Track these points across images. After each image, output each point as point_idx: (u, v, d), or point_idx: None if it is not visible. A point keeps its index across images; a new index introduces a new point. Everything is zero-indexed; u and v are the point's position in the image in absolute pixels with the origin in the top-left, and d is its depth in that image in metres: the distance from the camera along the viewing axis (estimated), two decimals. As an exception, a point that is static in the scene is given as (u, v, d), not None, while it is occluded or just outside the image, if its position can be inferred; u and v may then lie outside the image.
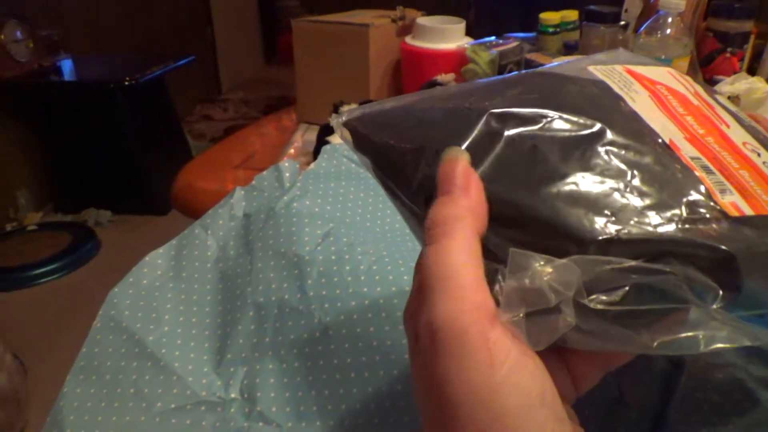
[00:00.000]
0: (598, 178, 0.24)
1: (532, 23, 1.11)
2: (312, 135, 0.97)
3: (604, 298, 0.21)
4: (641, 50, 0.85)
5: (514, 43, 1.04)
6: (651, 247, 0.22)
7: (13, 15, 2.27)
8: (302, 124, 1.10)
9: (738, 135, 0.29)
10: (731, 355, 0.38)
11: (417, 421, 0.36)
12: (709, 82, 0.93)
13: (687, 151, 0.26)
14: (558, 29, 1.07)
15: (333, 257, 0.45)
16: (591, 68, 0.31)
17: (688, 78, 0.33)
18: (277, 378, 0.40)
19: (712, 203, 0.24)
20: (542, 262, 0.21)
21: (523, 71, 0.32)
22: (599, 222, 0.22)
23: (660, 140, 0.26)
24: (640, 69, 0.32)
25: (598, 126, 0.26)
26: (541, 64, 0.42)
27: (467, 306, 0.21)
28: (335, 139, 0.80)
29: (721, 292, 0.22)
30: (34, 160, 2.50)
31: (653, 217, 0.23)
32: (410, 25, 1.08)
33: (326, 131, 0.86)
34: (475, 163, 0.24)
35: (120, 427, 0.39)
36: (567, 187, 0.23)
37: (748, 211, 0.24)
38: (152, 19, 3.39)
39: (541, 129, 0.25)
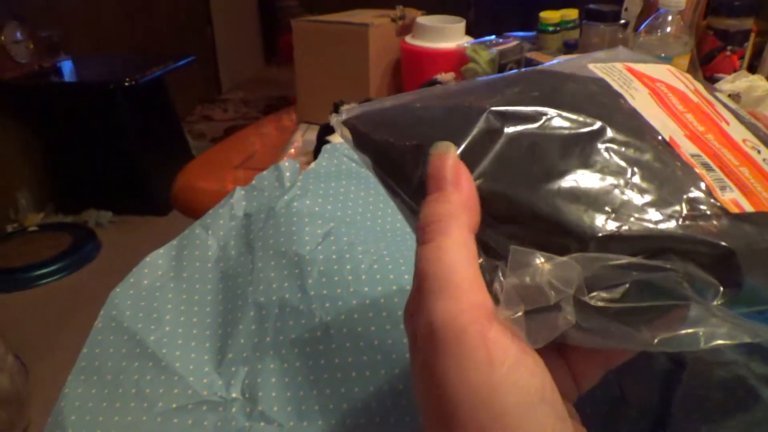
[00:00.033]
0: (598, 175, 0.24)
1: (532, 22, 1.11)
2: (312, 135, 0.97)
3: (604, 295, 0.21)
4: (641, 49, 0.85)
5: (514, 42, 1.04)
6: (651, 244, 0.22)
7: (13, 16, 2.28)
8: (302, 124, 1.10)
9: (738, 132, 0.29)
10: (733, 352, 0.38)
11: (418, 420, 0.36)
12: (710, 80, 0.93)
13: (687, 148, 0.26)
14: (558, 28, 1.07)
15: (334, 256, 0.45)
16: (591, 66, 0.31)
17: (688, 75, 0.33)
18: (278, 377, 0.40)
19: (712, 200, 0.24)
20: (543, 260, 0.21)
21: (523, 69, 0.32)
22: (599, 219, 0.22)
23: (660, 137, 0.26)
24: (639, 67, 0.32)
25: (598, 123, 0.26)
26: (541, 63, 0.42)
27: (465, 305, 0.21)
28: (335, 139, 0.80)
29: (721, 289, 0.22)
30: (35, 161, 2.50)
31: (653, 214, 0.23)
32: (410, 25, 1.08)
33: (326, 131, 0.86)
34: (476, 160, 0.24)
35: (121, 427, 0.39)
36: (567, 184, 0.23)
37: (749, 208, 0.24)
38: (152, 19, 3.39)
39: (541, 127, 0.25)
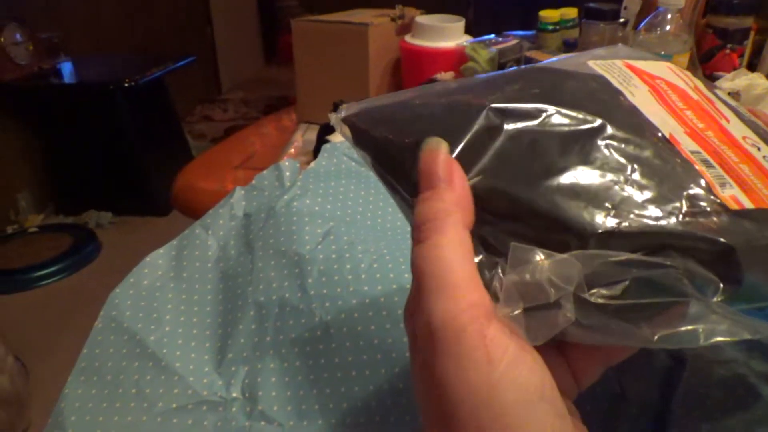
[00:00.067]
0: (598, 172, 0.24)
1: (532, 21, 1.11)
2: (312, 134, 0.97)
3: (604, 292, 0.21)
4: (641, 47, 0.85)
5: (514, 41, 1.04)
6: (651, 240, 0.22)
7: (12, 18, 2.28)
8: (302, 124, 1.10)
9: (738, 129, 0.29)
10: (733, 350, 0.38)
11: (419, 419, 0.36)
12: (709, 79, 0.93)
13: (687, 145, 0.26)
14: (557, 27, 1.07)
15: (333, 256, 0.45)
16: (590, 63, 0.31)
17: (688, 73, 0.33)
18: (278, 377, 0.40)
19: (712, 197, 0.24)
20: (543, 257, 0.21)
21: (523, 66, 0.32)
22: (599, 215, 0.22)
23: (660, 134, 0.26)
24: (639, 64, 0.32)
25: (597, 121, 0.26)
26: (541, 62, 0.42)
27: (464, 305, 0.21)
28: (335, 138, 0.80)
29: (721, 286, 0.22)
30: (35, 163, 2.50)
31: (653, 210, 0.23)
32: (409, 24, 1.08)
33: (326, 130, 0.85)
34: (476, 157, 0.24)
35: (121, 427, 0.39)
36: (567, 181, 0.23)
37: (748, 205, 0.24)
38: (152, 19, 3.39)
39: (541, 124, 0.25)
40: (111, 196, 2.56)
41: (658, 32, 0.84)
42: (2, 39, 2.23)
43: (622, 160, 0.24)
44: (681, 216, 0.23)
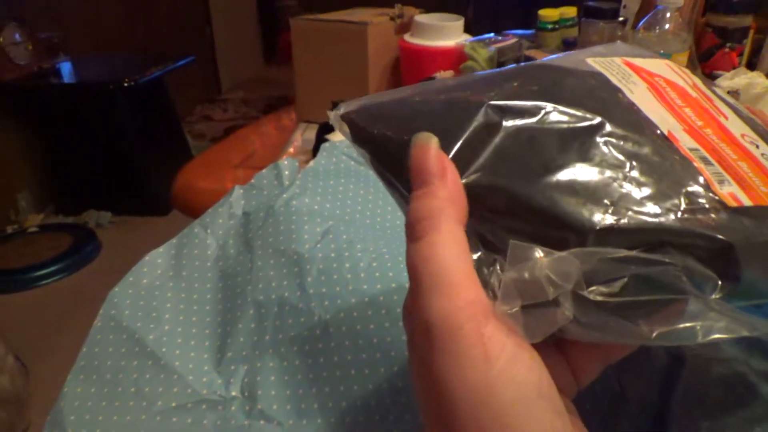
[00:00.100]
0: (597, 169, 0.24)
1: (531, 20, 1.11)
2: (311, 134, 0.97)
3: (603, 289, 0.21)
4: (640, 46, 0.84)
5: (513, 40, 1.04)
6: (650, 237, 0.22)
7: (12, 18, 2.28)
8: (302, 123, 1.10)
9: (736, 127, 0.29)
10: (733, 349, 0.38)
11: (418, 418, 0.36)
12: (709, 77, 0.92)
13: (685, 142, 0.26)
14: (557, 26, 1.07)
15: (333, 255, 0.45)
16: (589, 60, 0.31)
17: (686, 70, 0.33)
18: (277, 376, 0.40)
19: (710, 194, 0.24)
20: (541, 254, 0.21)
21: (522, 64, 0.32)
22: (598, 211, 0.22)
23: (658, 131, 0.26)
24: (638, 61, 0.32)
25: (596, 118, 0.26)
26: (540, 60, 0.42)
27: (461, 302, 0.21)
28: (335, 137, 0.80)
29: (719, 283, 0.22)
30: (35, 163, 2.50)
31: (652, 207, 0.23)
32: (409, 23, 1.08)
33: (326, 129, 0.85)
34: (474, 154, 0.24)
35: (121, 426, 0.39)
36: (566, 178, 0.23)
37: (747, 202, 0.24)
38: (152, 19, 3.39)
39: (539, 121, 0.25)
40: (111, 195, 2.56)
41: (657, 31, 0.84)
42: (2, 39, 2.23)
43: (621, 158, 0.24)
44: (679, 213, 0.23)
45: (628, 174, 0.24)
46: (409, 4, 1.12)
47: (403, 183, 0.26)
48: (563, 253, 0.21)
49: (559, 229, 0.22)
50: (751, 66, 0.99)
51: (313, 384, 0.39)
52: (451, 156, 0.24)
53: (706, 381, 0.36)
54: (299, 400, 0.39)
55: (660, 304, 0.22)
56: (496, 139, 0.24)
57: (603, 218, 0.22)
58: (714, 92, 0.32)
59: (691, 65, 0.90)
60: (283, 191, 0.50)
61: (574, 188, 0.23)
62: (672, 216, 0.23)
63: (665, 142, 0.26)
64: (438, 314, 0.21)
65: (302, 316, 0.42)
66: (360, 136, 0.27)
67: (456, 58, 1.02)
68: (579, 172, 0.23)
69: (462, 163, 0.24)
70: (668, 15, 0.83)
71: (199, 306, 0.45)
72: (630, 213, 0.22)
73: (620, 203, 0.23)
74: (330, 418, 0.38)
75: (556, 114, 0.26)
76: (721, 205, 0.24)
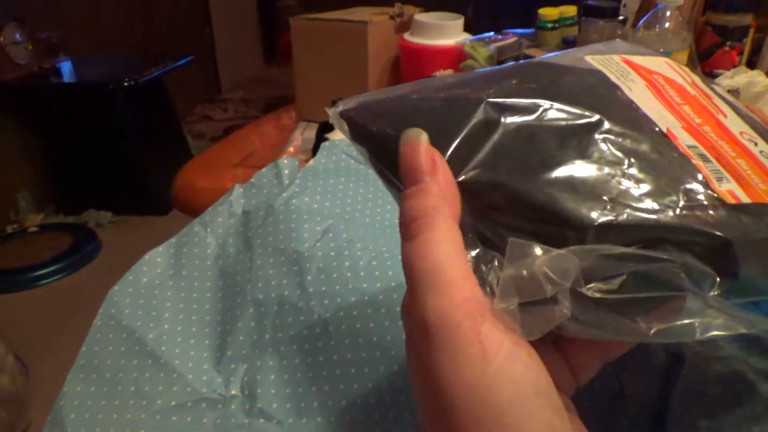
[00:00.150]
0: (595, 166, 0.24)
1: (531, 19, 1.11)
2: (311, 133, 0.97)
3: (601, 286, 0.21)
4: (640, 45, 0.84)
5: (513, 39, 1.04)
6: (648, 234, 0.22)
7: (12, 17, 2.28)
8: (301, 122, 1.10)
9: (735, 124, 0.29)
10: (732, 347, 0.38)
11: (417, 417, 0.36)
12: (709, 76, 0.92)
13: (684, 139, 0.26)
14: (557, 25, 1.07)
15: (332, 253, 0.45)
16: (588, 58, 0.31)
17: (685, 68, 0.33)
18: (277, 374, 0.40)
19: (709, 191, 0.24)
20: (540, 252, 0.21)
21: (521, 61, 0.32)
22: (596, 208, 0.22)
23: (657, 129, 0.26)
24: (637, 59, 0.32)
25: (595, 115, 0.26)
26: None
27: (458, 300, 0.21)
28: (334, 136, 0.80)
29: (718, 280, 0.22)
30: (35, 162, 2.50)
31: (650, 204, 0.23)
32: (408, 22, 1.08)
33: (325, 128, 0.85)
34: (473, 151, 0.24)
35: (121, 425, 0.39)
36: (564, 175, 0.23)
37: (745, 199, 0.24)
38: (152, 19, 3.39)
39: (538, 118, 0.25)
40: (111, 195, 2.56)
41: (657, 29, 0.84)
42: (2, 39, 2.23)
43: (619, 155, 0.24)
44: (678, 210, 0.23)
45: (626, 171, 0.24)
46: (408, 3, 1.12)
47: (401, 180, 0.26)
48: (562, 251, 0.21)
49: (558, 226, 0.22)
50: (752, 65, 0.99)
51: (313, 382, 0.39)
52: (449, 153, 0.24)
53: (706, 379, 0.36)
54: (299, 399, 0.39)
55: (658, 301, 0.22)
56: (495, 137, 0.24)
57: (601, 214, 0.22)
58: (713, 90, 0.32)
59: (691, 64, 0.90)
60: (283, 190, 0.51)
61: (572, 185, 0.23)
62: (670, 213, 0.23)
63: (664, 139, 0.26)
64: (434, 312, 0.21)
65: (302, 314, 0.42)
66: (358, 134, 0.27)
67: (456, 57, 1.02)
68: (578, 169, 0.23)
69: (461, 160, 0.24)
70: (668, 14, 0.83)
71: (198, 305, 0.45)
72: (628, 210, 0.22)
73: (619, 200, 0.23)
74: (330, 416, 0.38)
75: (554, 111, 0.26)
76: (719, 202, 0.24)
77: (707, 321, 0.21)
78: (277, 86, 4.06)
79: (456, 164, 0.24)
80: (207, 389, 0.40)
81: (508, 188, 0.23)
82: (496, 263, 0.22)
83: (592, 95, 0.27)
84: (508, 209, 0.23)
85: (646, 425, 0.36)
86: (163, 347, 0.42)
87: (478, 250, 0.23)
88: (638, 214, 0.22)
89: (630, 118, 0.26)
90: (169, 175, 1.08)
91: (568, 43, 1.05)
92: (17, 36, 2.30)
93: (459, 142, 0.24)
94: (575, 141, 0.25)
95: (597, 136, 0.25)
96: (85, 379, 0.41)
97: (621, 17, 0.98)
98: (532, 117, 0.25)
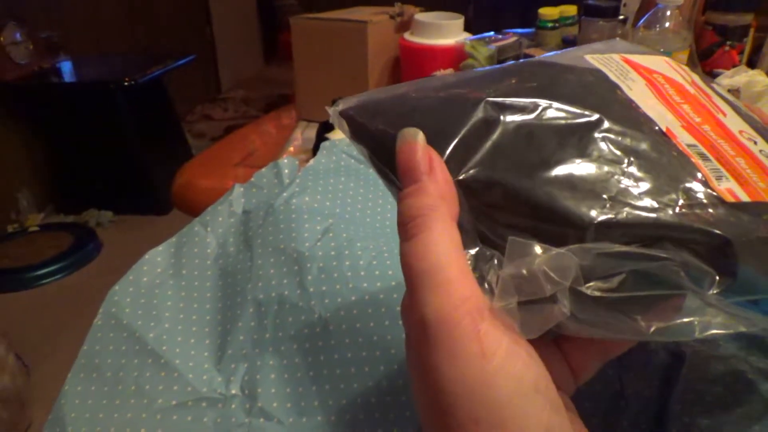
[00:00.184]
0: (595, 165, 0.24)
1: (531, 18, 1.11)
2: (311, 132, 0.97)
3: (601, 284, 0.21)
4: (640, 44, 0.84)
5: (513, 39, 1.04)
6: (647, 232, 0.22)
7: (12, 17, 2.28)
8: (302, 122, 1.10)
9: (734, 123, 0.29)
10: (732, 346, 0.38)
11: (418, 416, 0.36)
12: (709, 76, 0.92)
13: (683, 138, 0.26)
14: (557, 24, 1.07)
15: (333, 253, 0.45)
16: (588, 57, 0.31)
17: (685, 67, 0.33)
18: (277, 374, 0.40)
19: (708, 189, 0.24)
20: (540, 251, 0.21)
21: (521, 60, 0.32)
22: (596, 206, 0.22)
23: (656, 128, 0.26)
24: (636, 58, 0.32)
25: (594, 114, 0.26)
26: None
27: (456, 300, 0.21)
28: (335, 136, 0.80)
29: (717, 278, 0.22)
30: (35, 162, 2.50)
31: (650, 203, 0.23)
32: (409, 21, 1.08)
33: (326, 128, 0.86)
34: (473, 150, 0.24)
35: (121, 424, 0.39)
36: (564, 173, 0.23)
37: (744, 198, 0.24)
38: (152, 19, 3.39)
39: (538, 117, 0.25)
40: (111, 194, 2.56)
41: (658, 29, 0.84)
42: (2, 38, 2.23)
43: (619, 153, 0.24)
44: (677, 208, 0.23)
45: (626, 170, 0.24)
46: (408, 2, 1.12)
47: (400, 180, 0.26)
48: (561, 250, 0.21)
49: (558, 224, 0.22)
50: (752, 64, 0.99)
51: (314, 382, 0.39)
52: (449, 152, 0.24)
53: (706, 378, 0.36)
54: (299, 398, 0.39)
55: (658, 300, 0.22)
56: (495, 135, 0.24)
57: (601, 213, 0.22)
58: (712, 89, 0.32)
59: (691, 63, 0.89)
60: (283, 190, 0.51)
61: (572, 183, 0.23)
62: (670, 211, 0.23)
63: (663, 138, 0.26)
64: (433, 311, 0.21)
65: (302, 314, 0.42)
66: (358, 133, 0.27)
67: (456, 57, 1.02)
68: (577, 168, 0.23)
69: (460, 158, 0.24)
70: (668, 13, 0.83)
71: (199, 304, 0.45)
72: (628, 208, 0.22)
73: (618, 198, 0.23)
74: (330, 415, 0.38)
75: (554, 110, 0.26)
76: (718, 200, 0.24)
77: (706, 319, 0.21)
78: (277, 85, 4.05)
79: (455, 163, 0.24)
80: (207, 388, 0.40)
81: (507, 187, 0.23)
82: (495, 262, 0.22)
83: (591, 94, 0.27)
84: (507, 208, 0.23)
85: (646, 425, 0.36)
86: (164, 346, 0.42)
87: (477, 249, 0.23)
88: (638, 212, 0.22)
89: (630, 117, 0.26)
90: (170, 174, 1.09)
91: (568, 43, 1.05)
92: (17, 36, 2.30)
93: (458, 141, 0.24)
94: (575, 140, 0.25)
95: (596, 134, 0.25)
96: (85, 379, 0.41)
97: (621, 17, 0.98)
98: (532, 116, 0.25)
